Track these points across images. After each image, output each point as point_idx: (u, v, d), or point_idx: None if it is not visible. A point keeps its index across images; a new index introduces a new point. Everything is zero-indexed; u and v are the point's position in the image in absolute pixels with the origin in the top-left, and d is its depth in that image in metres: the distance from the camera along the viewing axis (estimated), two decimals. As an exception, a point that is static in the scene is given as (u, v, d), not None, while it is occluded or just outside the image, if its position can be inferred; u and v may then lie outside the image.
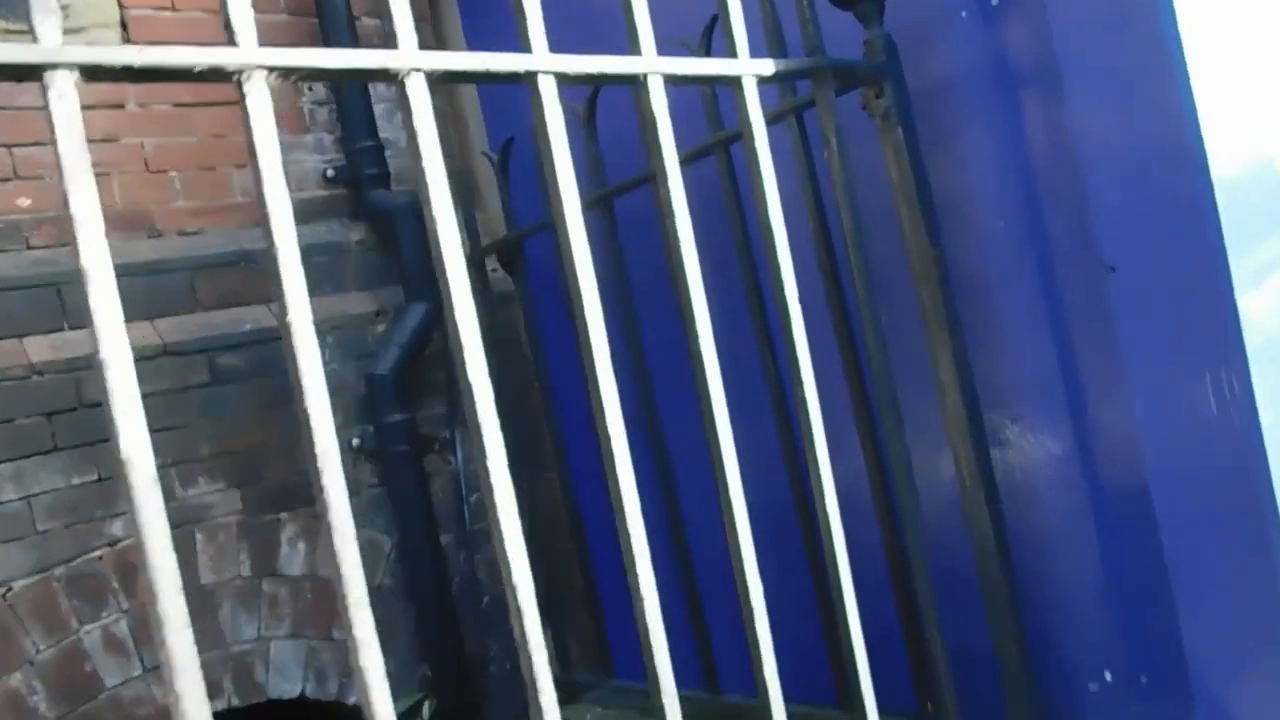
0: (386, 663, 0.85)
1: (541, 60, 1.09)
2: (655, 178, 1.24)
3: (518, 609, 1.04)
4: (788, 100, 1.83)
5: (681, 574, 2.29)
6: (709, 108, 2.03)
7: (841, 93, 1.71)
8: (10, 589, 2.17)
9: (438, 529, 2.77)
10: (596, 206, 2.39)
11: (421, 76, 1.00)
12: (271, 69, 0.91)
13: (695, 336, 1.24)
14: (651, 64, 1.22)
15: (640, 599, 1.13)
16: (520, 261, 2.80)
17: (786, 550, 1.95)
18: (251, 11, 0.91)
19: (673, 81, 1.27)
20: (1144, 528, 1.66)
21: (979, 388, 1.76)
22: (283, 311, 0.90)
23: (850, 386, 1.85)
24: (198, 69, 0.86)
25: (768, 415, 1.98)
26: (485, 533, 2.93)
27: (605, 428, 1.14)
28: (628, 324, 2.33)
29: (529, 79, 1.09)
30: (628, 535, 1.15)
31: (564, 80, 1.12)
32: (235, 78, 0.89)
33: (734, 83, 1.34)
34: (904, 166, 1.70)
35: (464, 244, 3.09)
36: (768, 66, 1.38)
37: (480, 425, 1.08)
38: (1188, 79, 1.52)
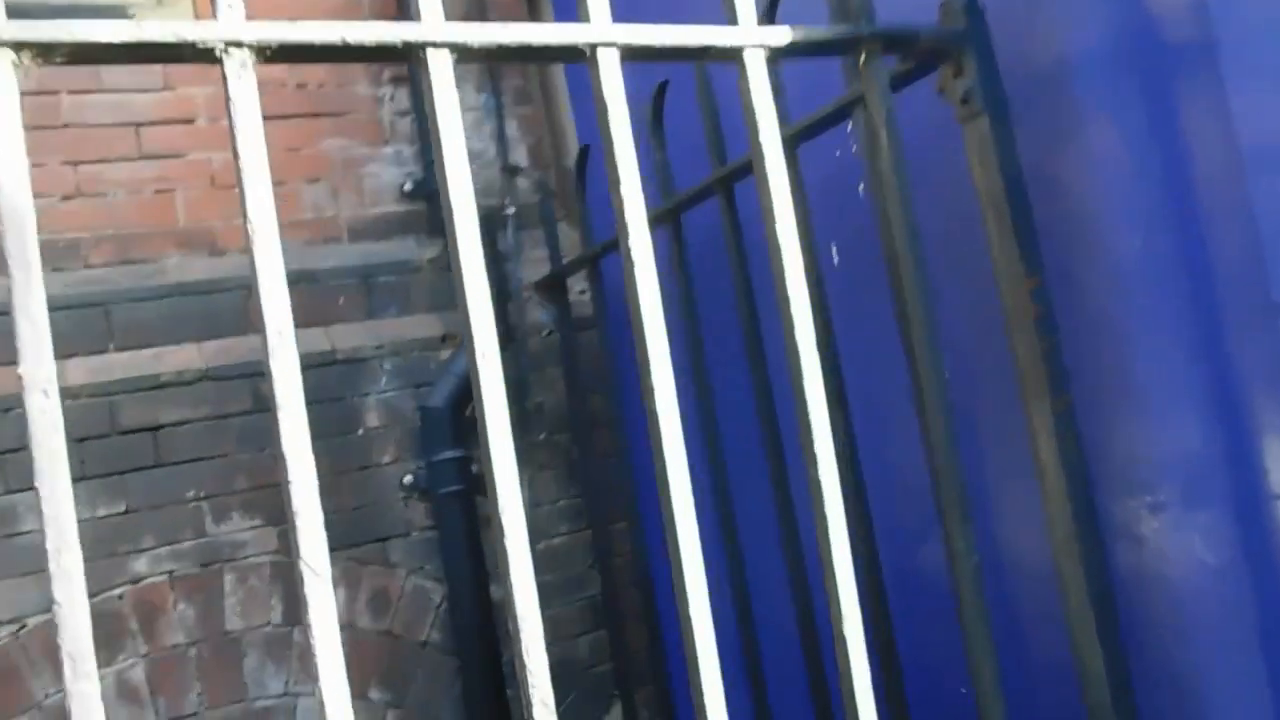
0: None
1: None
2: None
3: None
4: (854, 89, 1.48)
5: (743, 637, 1.96)
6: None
7: (915, 75, 1.36)
8: (24, 626, 2.10)
9: (488, 578, 2.54)
10: (665, 221, 2.11)
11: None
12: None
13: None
14: (600, 33, 0.94)
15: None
16: (597, 282, 2.54)
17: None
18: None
19: (629, 55, 0.98)
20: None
21: (1100, 468, 1.36)
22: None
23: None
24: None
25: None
26: (550, 585, 2.69)
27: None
28: (695, 359, 2.03)
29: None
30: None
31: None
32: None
33: (732, 56, 1.04)
34: (990, 166, 1.32)
35: (547, 260, 2.89)
36: (780, 35, 1.06)
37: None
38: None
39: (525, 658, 0.88)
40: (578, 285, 2.91)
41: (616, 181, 0.98)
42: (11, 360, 2.21)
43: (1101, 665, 1.27)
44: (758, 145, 1.06)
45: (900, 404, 1.54)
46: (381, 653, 2.46)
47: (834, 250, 1.94)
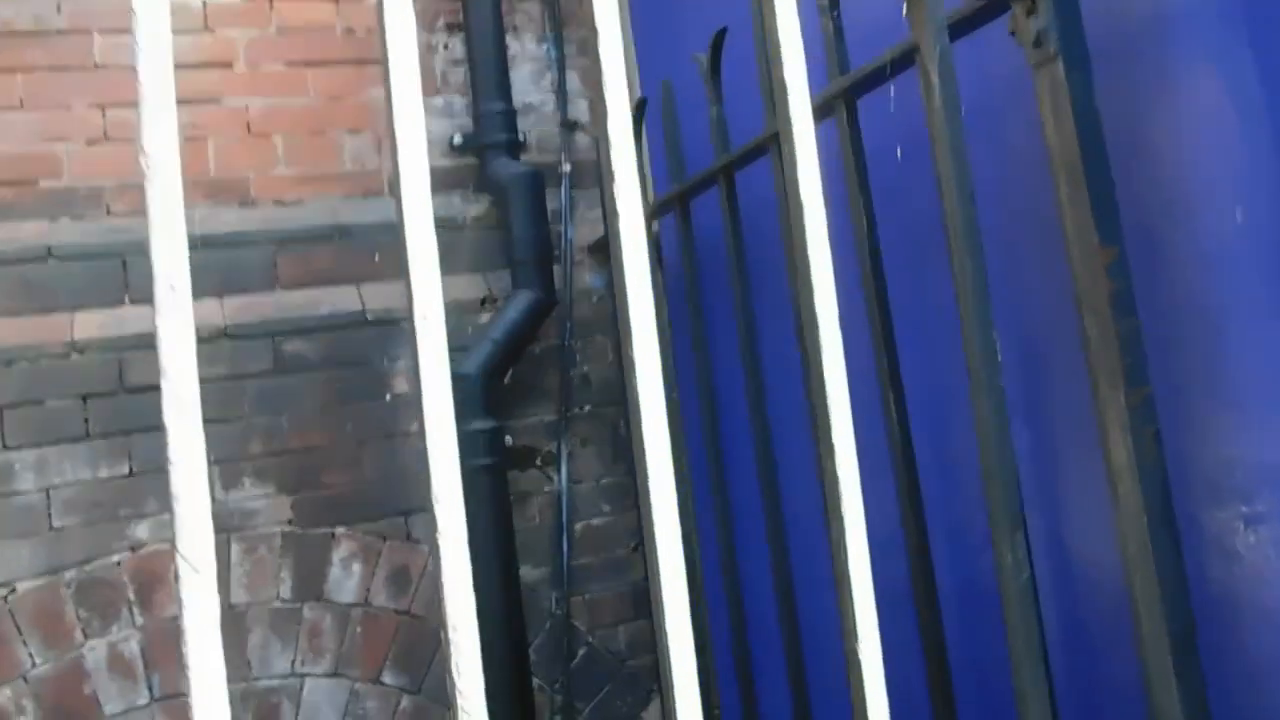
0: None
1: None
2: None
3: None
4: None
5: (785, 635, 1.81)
6: (831, 48, 1.54)
7: (984, 17, 1.17)
8: (14, 590, 2.07)
9: (517, 560, 2.43)
10: (717, 178, 1.96)
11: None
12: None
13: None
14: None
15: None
16: (653, 246, 2.37)
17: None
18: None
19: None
20: None
21: (1183, 471, 1.15)
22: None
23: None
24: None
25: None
26: (588, 569, 2.56)
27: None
28: (744, 323, 1.87)
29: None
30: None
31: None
32: None
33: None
34: (1064, 118, 1.13)
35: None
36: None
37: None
38: None
39: (455, 675, 0.73)
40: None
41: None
42: (16, 311, 2.19)
43: (1177, 703, 1.08)
44: (781, 85, 0.89)
45: (964, 392, 1.35)
46: (398, 634, 2.38)
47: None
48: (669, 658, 0.74)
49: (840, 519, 0.70)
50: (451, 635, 0.65)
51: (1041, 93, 1.16)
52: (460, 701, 0.65)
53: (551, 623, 2.53)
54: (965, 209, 1.14)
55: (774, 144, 1.73)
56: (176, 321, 0.70)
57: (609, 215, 0.72)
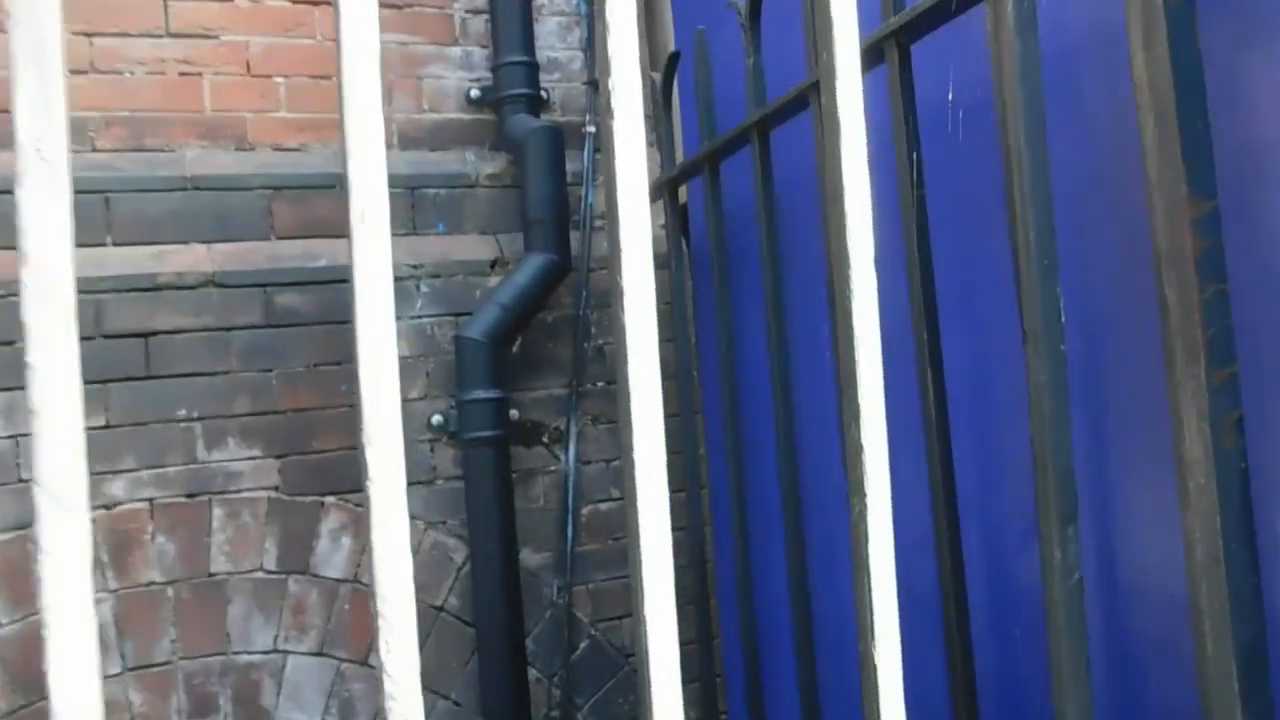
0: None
1: None
2: None
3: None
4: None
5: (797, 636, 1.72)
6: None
7: None
8: (-19, 544, 2.01)
9: (518, 541, 2.35)
10: (750, 135, 1.86)
11: None
12: None
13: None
14: None
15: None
16: (677, 214, 2.28)
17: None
18: None
19: None
20: None
21: (1268, 470, 1.05)
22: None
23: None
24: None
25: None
26: (593, 557, 2.48)
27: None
28: (772, 290, 1.78)
29: None
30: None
31: None
32: None
33: None
34: (1157, 48, 1.02)
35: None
36: None
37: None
38: None
39: (384, 653, 0.65)
40: (656, 217, 2.67)
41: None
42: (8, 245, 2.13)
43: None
44: (826, 19, 0.78)
45: (1015, 369, 1.25)
46: (387, 614, 2.30)
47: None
48: (648, 657, 0.65)
49: (862, 496, 0.60)
50: (380, 607, 0.57)
51: (1132, 18, 1.05)
52: (389, 686, 0.56)
53: (552, 612, 2.45)
54: (1035, 155, 1.03)
55: (814, 94, 1.63)
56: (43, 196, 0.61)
57: (607, 182, 0.63)
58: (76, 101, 2.30)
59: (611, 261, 0.64)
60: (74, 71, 2.31)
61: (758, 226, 1.83)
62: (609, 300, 2.65)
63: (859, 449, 0.67)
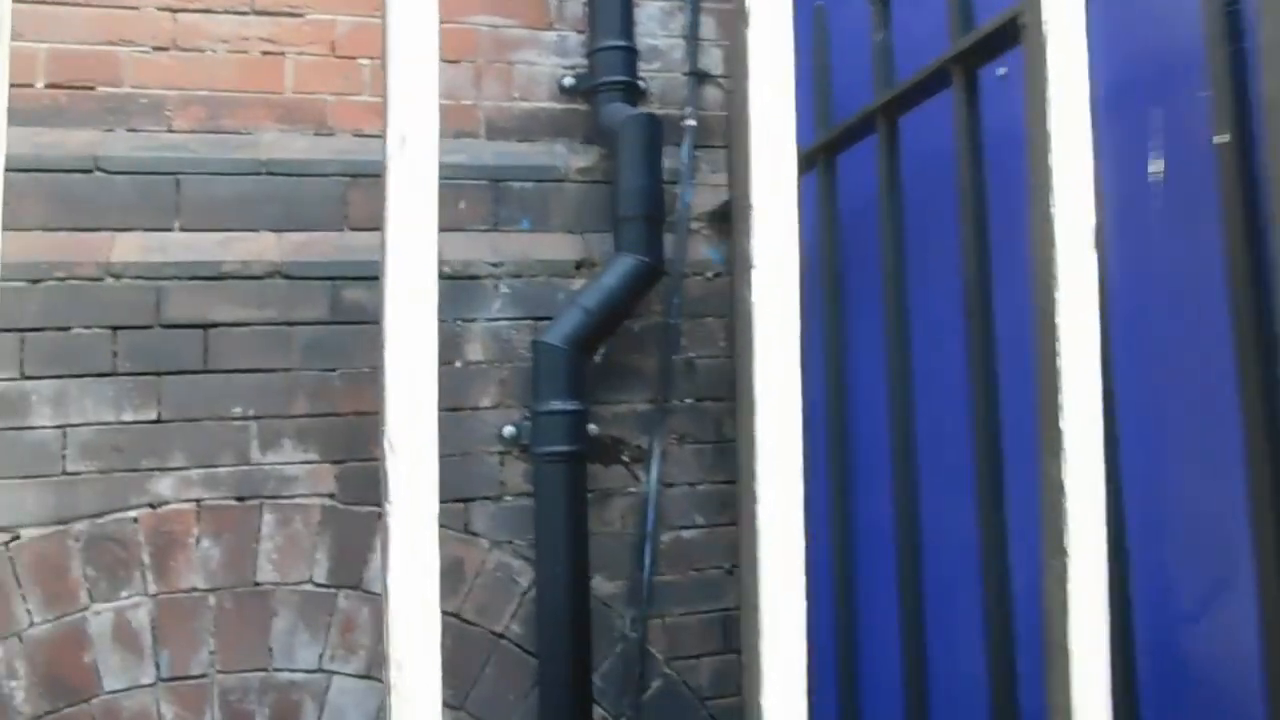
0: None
1: None
2: None
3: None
4: None
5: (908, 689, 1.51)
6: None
7: None
8: (16, 537, 1.93)
9: (589, 567, 2.18)
10: (875, 121, 1.68)
11: None
12: None
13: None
14: None
15: None
16: (830, 187, 2.03)
17: None
18: None
19: None
20: None
21: None
22: None
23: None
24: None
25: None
26: (672, 588, 2.30)
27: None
28: (892, 297, 1.59)
29: None
30: None
31: None
32: None
33: None
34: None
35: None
36: None
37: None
38: None
39: (394, 672, 0.50)
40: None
41: None
42: (51, 226, 2.06)
43: None
44: None
45: (1213, 397, 1.03)
46: (446, 637, 2.14)
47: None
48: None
49: (1063, 554, 0.42)
50: (394, 677, 0.41)
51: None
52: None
53: (623, 646, 2.27)
54: None
55: (957, 65, 1.43)
56: None
57: (736, 165, 0.47)
58: (155, 79, 2.24)
59: (738, 232, 0.47)
60: (156, 48, 2.25)
61: (880, 226, 1.63)
62: (702, 311, 2.50)
63: (1060, 491, 0.49)
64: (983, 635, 1.37)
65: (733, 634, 2.35)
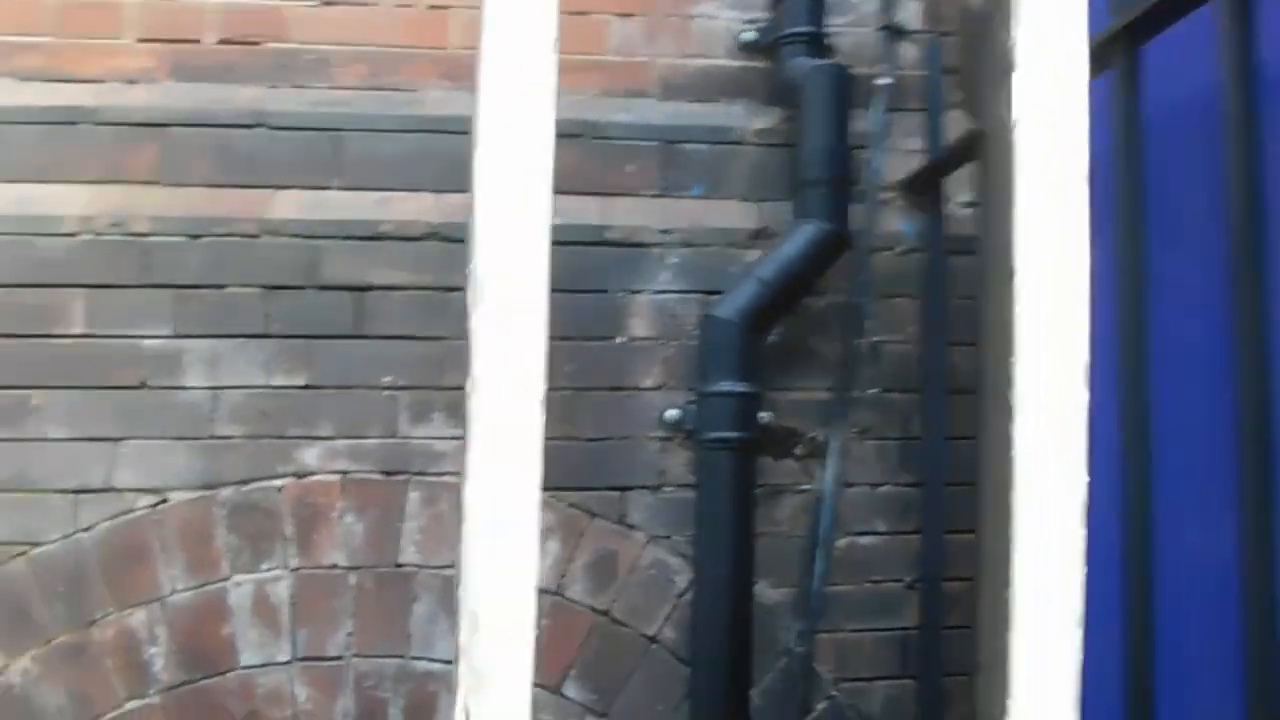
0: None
1: None
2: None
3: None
4: None
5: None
6: None
7: None
8: (165, 500, 1.91)
9: (753, 569, 2.01)
10: (1111, 55, 1.44)
11: None
12: None
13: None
14: None
15: None
16: (1131, 89, 1.74)
17: None
18: None
19: None
20: None
21: None
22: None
23: None
24: None
25: None
26: (846, 600, 2.11)
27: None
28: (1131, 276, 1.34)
29: None
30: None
31: None
32: None
33: None
34: None
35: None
36: None
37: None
38: None
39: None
40: (960, 191, 2.27)
41: None
42: (214, 182, 2.04)
43: None
44: None
45: None
46: (592, 637, 2.03)
47: None
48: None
49: None
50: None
51: None
52: None
53: (787, 661, 2.08)
54: None
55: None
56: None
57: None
58: (320, 35, 2.19)
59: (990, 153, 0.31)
60: (323, 3, 2.20)
61: (1225, 135, 1.33)
62: (893, 289, 2.27)
63: None
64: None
65: (911, 658, 2.13)
